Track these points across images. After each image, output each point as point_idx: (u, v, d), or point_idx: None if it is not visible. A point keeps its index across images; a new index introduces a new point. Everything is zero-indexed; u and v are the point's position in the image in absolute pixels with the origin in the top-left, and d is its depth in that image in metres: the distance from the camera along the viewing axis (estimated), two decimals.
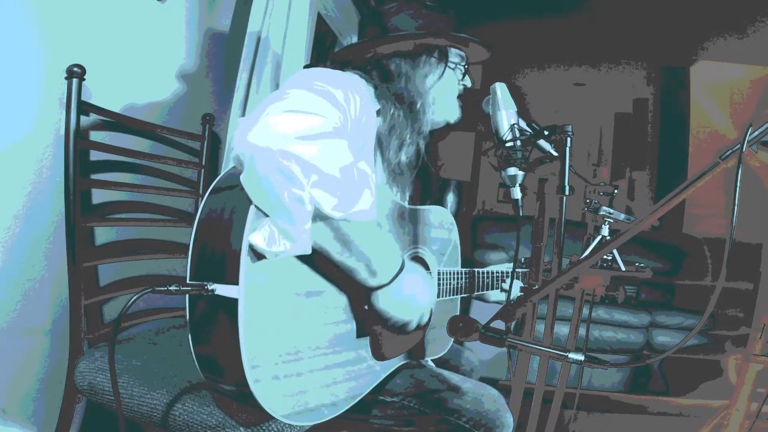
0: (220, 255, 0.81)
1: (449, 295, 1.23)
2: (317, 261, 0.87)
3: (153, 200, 1.44)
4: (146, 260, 1.45)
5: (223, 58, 1.73)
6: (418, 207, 1.19)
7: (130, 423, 0.97)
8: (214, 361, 0.83)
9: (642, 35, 3.81)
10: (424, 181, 1.28)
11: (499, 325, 0.86)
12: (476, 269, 1.31)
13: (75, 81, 1.09)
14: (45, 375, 1.20)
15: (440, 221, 1.25)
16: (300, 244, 0.78)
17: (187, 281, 0.83)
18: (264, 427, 0.88)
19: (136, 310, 1.45)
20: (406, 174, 1.12)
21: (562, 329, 2.71)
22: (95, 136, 1.25)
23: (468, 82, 1.21)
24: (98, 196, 1.28)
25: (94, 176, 1.25)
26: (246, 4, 1.71)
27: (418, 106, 1.10)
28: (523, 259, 1.40)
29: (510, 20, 3.67)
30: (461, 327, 0.84)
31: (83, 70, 1.10)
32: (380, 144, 1.07)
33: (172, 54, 1.52)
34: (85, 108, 1.13)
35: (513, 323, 0.93)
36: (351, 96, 0.91)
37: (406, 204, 1.16)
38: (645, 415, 2.71)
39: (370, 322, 0.99)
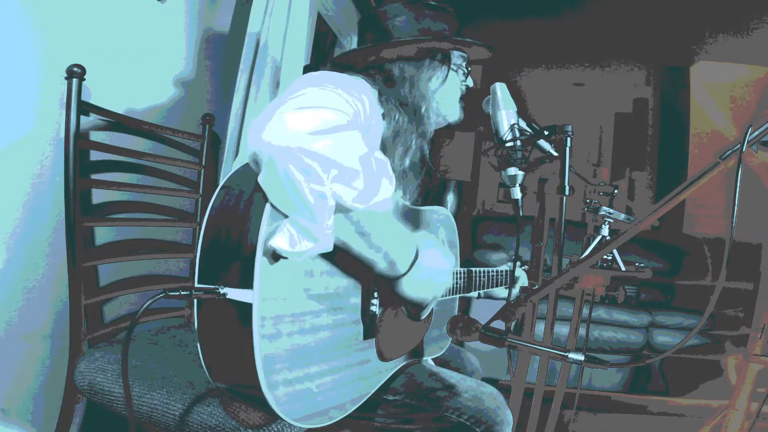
0: (232, 257, 0.79)
1: (448, 296, 1.23)
2: (333, 258, 0.86)
3: (153, 200, 1.44)
4: (146, 260, 1.45)
5: (223, 57, 1.73)
6: (419, 207, 1.19)
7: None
8: (225, 365, 0.82)
9: (642, 35, 3.81)
10: (425, 183, 1.28)
11: (499, 325, 0.86)
12: (473, 269, 1.32)
13: (75, 81, 1.09)
14: (45, 375, 1.20)
15: (440, 221, 1.26)
16: (322, 243, 0.77)
17: (196, 282, 0.81)
18: (265, 428, 0.88)
19: (135, 310, 1.45)
20: (411, 179, 1.12)
21: (562, 329, 2.71)
22: (95, 136, 1.25)
23: (470, 83, 1.20)
24: (98, 196, 1.28)
25: (94, 176, 1.25)
26: (246, 4, 1.71)
27: (423, 110, 1.09)
28: (520, 263, 1.43)
29: (510, 20, 3.67)
30: (461, 327, 0.84)
31: (83, 70, 1.10)
32: (384, 150, 1.06)
33: (172, 54, 1.52)
34: (85, 108, 1.13)
35: (513, 323, 0.93)
36: (361, 97, 0.91)
37: (408, 204, 1.16)
38: (645, 415, 2.71)
39: (377, 323, 0.99)
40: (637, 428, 2.55)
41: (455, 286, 1.25)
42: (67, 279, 1.11)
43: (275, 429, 0.88)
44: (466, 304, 3.09)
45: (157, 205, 1.46)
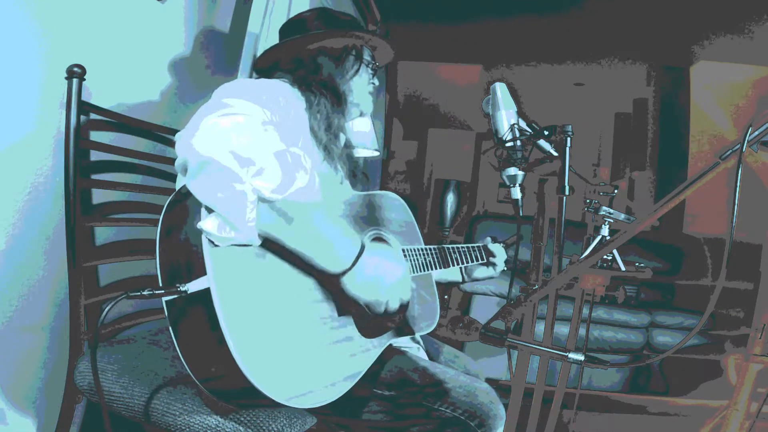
0: (184, 257, 0.82)
1: (420, 271, 1.24)
2: (280, 249, 0.88)
3: (153, 200, 1.44)
4: (146, 260, 1.45)
5: (223, 58, 1.73)
6: (367, 192, 1.22)
7: (130, 423, 0.97)
8: (205, 361, 0.82)
9: (642, 35, 3.81)
10: (353, 164, 1.34)
11: (499, 325, 0.86)
12: (445, 245, 1.35)
13: (75, 81, 1.09)
14: (45, 375, 1.20)
15: (390, 203, 1.28)
16: (244, 234, 0.81)
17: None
18: (264, 426, 0.88)
19: (135, 311, 1.45)
20: (335, 155, 1.19)
21: (562, 329, 2.71)
22: (95, 136, 1.25)
23: (376, 81, 1.32)
24: (98, 196, 1.28)
25: (94, 176, 1.25)
26: (246, 4, 1.71)
27: (341, 90, 1.21)
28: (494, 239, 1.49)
29: (510, 19, 3.67)
30: (461, 327, 0.85)
31: (83, 70, 1.10)
32: (312, 132, 1.15)
33: (172, 54, 1.52)
34: (85, 108, 1.13)
35: (513, 323, 0.93)
36: (276, 98, 1.02)
37: (354, 191, 1.20)
38: (645, 415, 2.71)
39: (346, 302, 0.98)
40: (637, 428, 2.55)
41: (426, 261, 1.27)
42: (67, 279, 1.11)
43: (274, 428, 0.88)
44: (466, 303, 3.09)
45: (157, 205, 1.45)
